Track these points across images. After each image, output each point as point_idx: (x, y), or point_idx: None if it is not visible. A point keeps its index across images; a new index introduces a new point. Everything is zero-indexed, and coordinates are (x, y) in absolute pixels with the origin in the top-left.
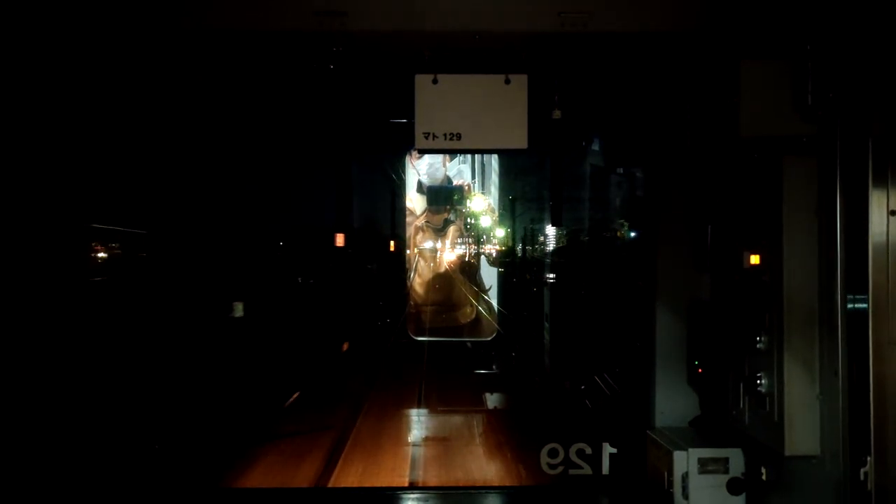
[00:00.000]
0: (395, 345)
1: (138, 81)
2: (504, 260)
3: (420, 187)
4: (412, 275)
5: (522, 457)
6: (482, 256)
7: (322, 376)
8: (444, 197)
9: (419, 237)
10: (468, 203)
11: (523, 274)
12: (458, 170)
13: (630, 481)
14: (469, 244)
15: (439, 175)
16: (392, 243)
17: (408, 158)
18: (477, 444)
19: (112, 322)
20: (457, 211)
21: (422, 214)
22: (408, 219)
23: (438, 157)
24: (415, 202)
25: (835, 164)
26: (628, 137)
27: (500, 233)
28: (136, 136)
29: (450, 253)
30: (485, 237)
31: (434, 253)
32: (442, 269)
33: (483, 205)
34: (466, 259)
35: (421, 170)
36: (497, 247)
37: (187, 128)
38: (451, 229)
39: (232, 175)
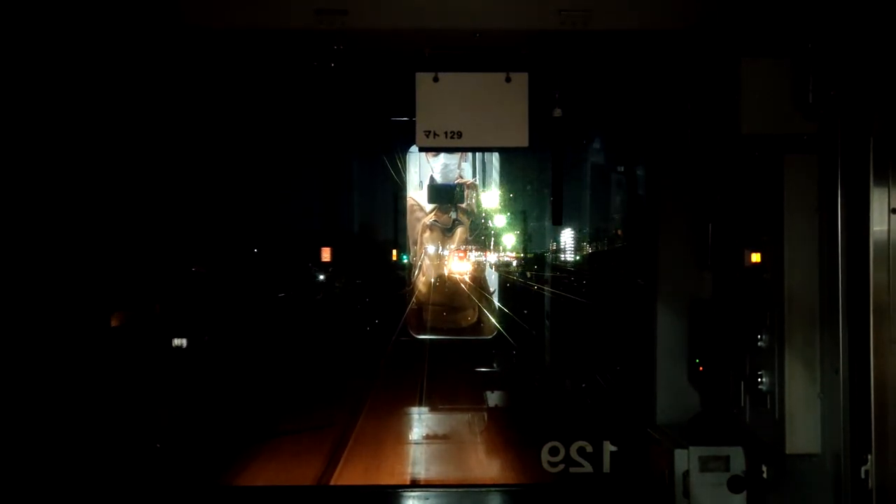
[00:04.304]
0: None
1: (139, 80)
2: (512, 266)
3: (432, 182)
4: (416, 272)
5: (523, 455)
6: (488, 262)
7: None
8: (446, 195)
9: (426, 235)
10: (472, 200)
11: (524, 272)
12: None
13: (631, 479)
14: (477, 248)
15: (452, 175)
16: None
17: (424, 156)
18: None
19: None
20: (468, 210)
21: (431, 212)
22: (417, 214)
23: (454, 158)
24: (424, 199)
25: (836, 163)
26: (629, 135)
27: (503, 235)
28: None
29: (458, 257)
30: (493, 240)
31: (442, 254)
32: (448, 271)
33: (495, 201)
34: (474, 263)
35: (435, 168)
36: (503, 253)
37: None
38: (459, 230)
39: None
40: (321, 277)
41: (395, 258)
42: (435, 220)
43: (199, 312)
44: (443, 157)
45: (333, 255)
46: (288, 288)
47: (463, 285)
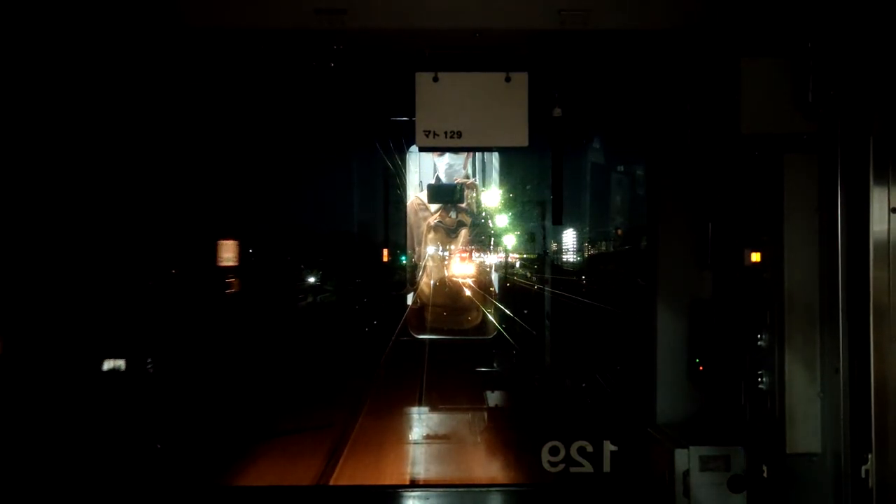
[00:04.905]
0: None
1: (138, 78)
2: (515, 267)
3: (437, 181)
4: (420, 273)
5: (523, 455)
6: (491, 264)
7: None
8: (447, 194)
9: (431, 236)
10: (472, 200)
11: (525, 273)
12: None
13: (631, 479)
14: (477, 248)
15: (459, 174)
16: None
17: (430, 156)
18: (479, 441)
19: None
20: (468, 210)
21: (435, 213)
22: (421, 214)
23: (459, 158)
24: (428, 199)
25: (835, 162)
26: (629, 135)
27: (504, 235)
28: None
29: (460, 258)
30: (493, 241)
31: (444, 255)
32: (452, 272)
33: (495, 201)
34: (479, 266)
35: (440, 168)
36: (507, 255)
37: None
38: (464, 231)
39: None
40: (311, 280)
41: (385, 259)
42: (439, 221)
43: (160, 323)
44: (448, 156)
45: (243, 252)
46: (279, 290)
47: (466, 288)
